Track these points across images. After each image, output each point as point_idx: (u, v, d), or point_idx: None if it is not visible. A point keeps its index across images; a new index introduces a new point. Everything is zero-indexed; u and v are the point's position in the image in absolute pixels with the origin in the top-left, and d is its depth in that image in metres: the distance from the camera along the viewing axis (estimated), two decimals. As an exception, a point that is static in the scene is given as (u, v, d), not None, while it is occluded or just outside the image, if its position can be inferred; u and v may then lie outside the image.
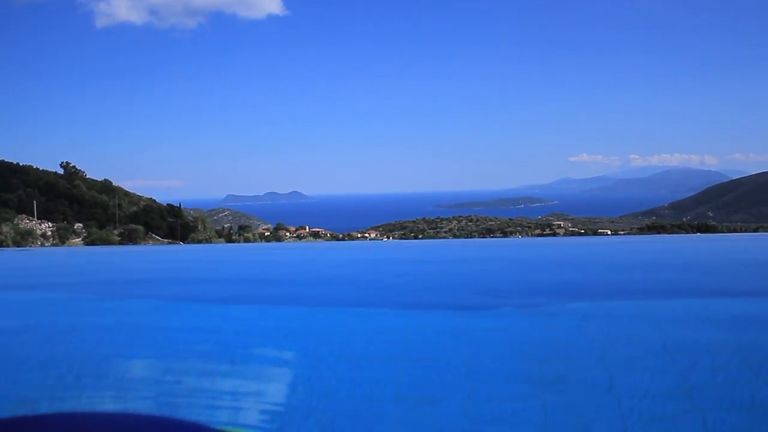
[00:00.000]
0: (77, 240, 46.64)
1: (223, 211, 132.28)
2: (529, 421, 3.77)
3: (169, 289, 8.09)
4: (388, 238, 72.53)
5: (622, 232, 67.90)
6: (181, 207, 68.94)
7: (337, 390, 4.22)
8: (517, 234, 77.29)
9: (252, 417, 4.05)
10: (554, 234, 71.87)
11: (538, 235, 71.52)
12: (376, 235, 76.98)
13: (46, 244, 43.09)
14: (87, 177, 71.19)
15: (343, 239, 60.31)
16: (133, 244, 46.23)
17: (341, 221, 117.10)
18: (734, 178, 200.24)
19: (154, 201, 73.69)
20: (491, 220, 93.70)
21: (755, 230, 65.43)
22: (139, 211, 64.45)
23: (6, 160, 69.13)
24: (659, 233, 55.25)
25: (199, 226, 64.05)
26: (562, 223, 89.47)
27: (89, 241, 43.96)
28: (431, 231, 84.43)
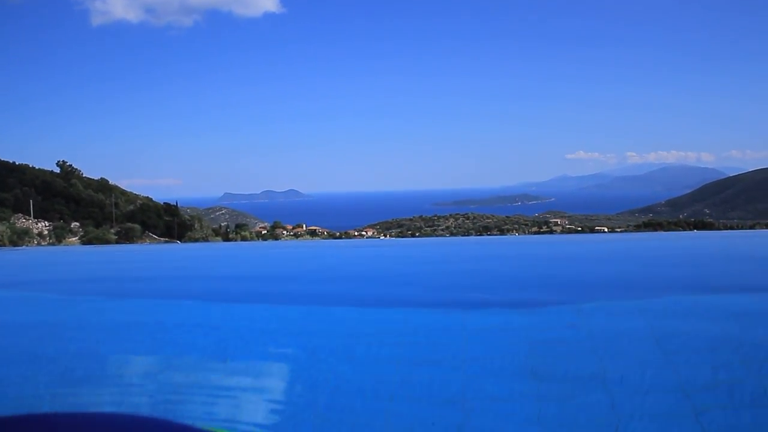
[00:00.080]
0: (74, 239, 46.54)
1: (220, 210, 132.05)
2: (523, 417, 3.79)
3: (169, 288, 8.09)
4: (385, 236, 72.49)
5: (619, 230, 67.98)
6: (178, 205, 68.81)
7: (334, 388, 4.23)
8: (514, 232, 77.34)
9: (252, 416, 4.06)
10: (551, 231, 71.89)
11: (535, 233, 71.57)
12: (374, 233, 76.94)
13: (43, 244, 43.01)
14: (83, 176, 71.06)
15: (340, 237, 60.26)
16: (130, 242, 46.15)
17: (338, 219, 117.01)
18: (731, 175, 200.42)
19: (151, 200, 73.52)
20: (488, 218, 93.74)
21: (752, 227, 65.44)
22: (135, 210, 64.29)
23: (2, 159, 68.98)
24: (656, 230, 55.32)
25: (196, 225, 63.93)
26: (559, 221, 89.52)
27: (86, 240, 43.88)
28: (428, 229, 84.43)
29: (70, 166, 70.84)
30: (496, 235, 70.94)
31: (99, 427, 3.94)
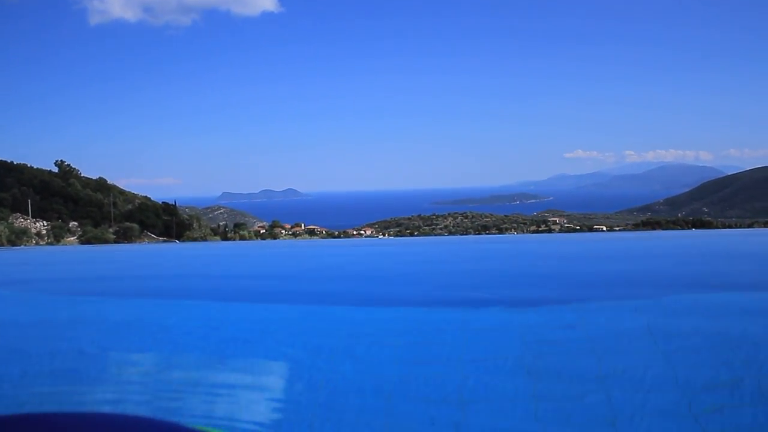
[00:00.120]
0: (72, 238, 46.50)
1: (218, 209, 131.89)
2: (521, 415, 3.79)
3: (168, 287, 8.09)
4: (383, 235, 72.48)
5: (617, 228, 68.00)
6: (177, 205, 68.74)
7: (334, 387, 4.23)
8: (513, 231, 77.34)
9: (251, 415, 4.06)
10: (550, 230, 71.92)
11: (534, 232, 71.58)
12: (372, 232, 76.94)
13: (41, 243, 42.97)
14: (82, 175, 70.98)
15: (339, 237, 60.26)
16: (129, 242, 46.13)
17: (337, 218, 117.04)
18: (729, 173, 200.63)
19: (150, 199, 73.46)
20: (487, 217, 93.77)
21: (750, 225, 65.51)
22: (134, 210, 64.21)
23: (0, 159, 68.93)
24: (654, 229, 55.37)
25: (195, 224, 63.87)
26: (557, 220, 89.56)
27: (84, 240, 43.84)
28: (427, 228, 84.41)
29: (68, 165, 70.77)
30: (494, 234, 70.93)
31: (99, 427, 3.94)
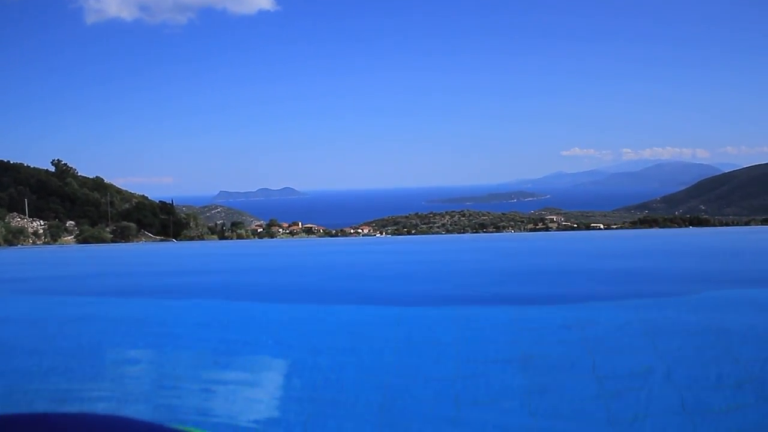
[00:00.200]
0: (69, 238, 46.45)
1: (215, 208, 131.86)
2: (517, 413, 3.79)
3: (166, 287, 8.07)
4: (381, 233, 72.53)
5: (614, 226, 68.07)
6: (174, 204, 68.71)
7: (332, 386, 4.23)
8: (510, 229, 77.43)
9: (250, 414, 4.05)
10: (547, 228, 72.00)
11: (531, 230, 71.64)
12: (369, 230, 77.01)
13: (38, 243, 42.91)
14: (78, 174, 70.87)
15: (336, 235, 60.27)
16: (126, 241, 46.09)
17: (334, 217, 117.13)
18: (726, 171, 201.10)
19: (147, 198, 73.43)
20: (484, 215, 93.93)
21: (747, 223, 65.68)
22: (131, 209, 64.19)
23: (-4, 158, 68.79)
24: (651, 227, 55.45)
25: (192, 223, 63.85)
26: (554, 218, 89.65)
27: (81, 239, 43.80)
28: (424, 226, 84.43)
29: (65, 164, 70.67)
30: (491, 232, 71.00)
31: (98, 428, 3.93)
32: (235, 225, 67.72)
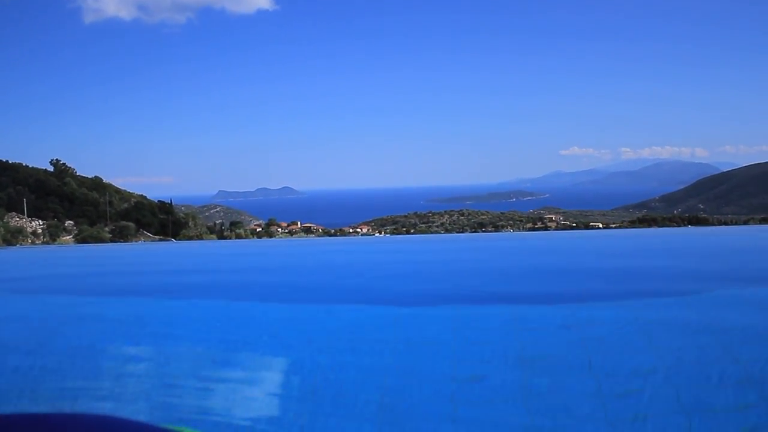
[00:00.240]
0: (68, 237, 46.49)
1: (214, 208, 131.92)
2: (515, 425, 3.79)
3: (163, 287, 8.06)
4: (380, 232, 72.56)
5: (613, 225, 68.12)
6: (173, 203, 68.74)
7: (330, 386, 4.22)
8: (509, 228, 77.48)
9: (250, 412, 4.05)
10: (546, 227, 72.03)
11: (530, 229, 71.70)
12: (368, 229, 77.06)
13: (37, 242, 42.90)
14: (77, 174, 70.88)
15: (335, 234, 60.28)
16: (125, 241, 46.08)
17: (333, 216, 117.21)
18: (724, 170, 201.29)
19: (145, 198, 73.46)
20: (483, 214, 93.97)
21: (745, 222, 65.75)
22: (130, 208, 64.22)
23: (-5, 158, 68.73)
24: (650, 226, 55.47)
25: (191, 223, 63.91)
26: (553, 217, 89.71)
27: (80, 239, 43.80)
28: (423, 225, 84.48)
29: (64, 164, 70.69)
30: (490, 231, 71.02)
31: (97, 429, 3.92)
32: (234, 225, 67.78)
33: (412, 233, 67.69)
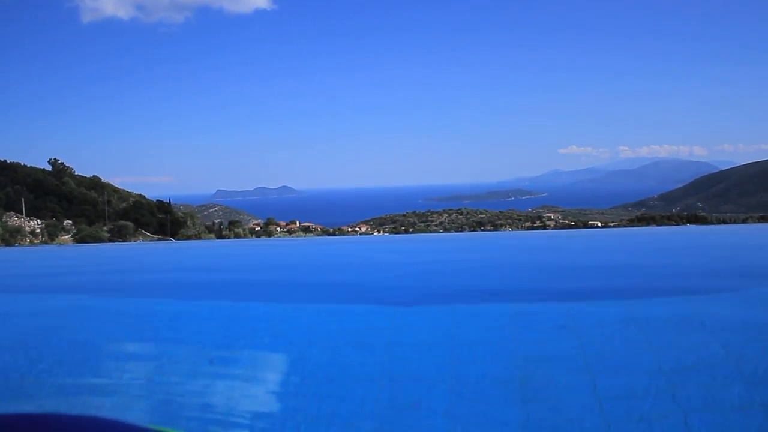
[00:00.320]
0: (67, 237, 46.46)
1: (213, 207, 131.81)
2: (510, 421, 3.78)
3: (162, 286, 8.07)
4: (378, 232, 72.57)
5: (612, 224, 68.16)
6: (171, 203, 68.73)
7: (327, 386, 4.22)
8: (508, 227, 77.48)
9: (247, 413, 4.04)
10: (545, 226, 72.08)
11: (529, 228, 71.73)
12: (367, 228, 77.03)
13: (35, 242, 42.89)
14: (75, 173, 70.86)
15: (334, 234, 60.31)
16: (123, 240, 46.08)
17: (331, 215, 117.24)
18: (723, 168, 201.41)
19: (144, 197, 73.45)
20: (481, 213, 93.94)
21: (744, 221, 65.84)
22: (128, 208, 64.22)
23: (-7, 157, 68.67)
24: (649, 224, 55.50)
25: (189, 222, 63.92)
26: (552, 216, 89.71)
27: (79, 238, 43.77)
28: (422, 224, 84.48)
29: (62, 164, 70.66)
30: (489, 230, 71.07)
31: (94, 429, 3.91)
32: (232, 224, 67.84)
33: (411, 232, 67.73)
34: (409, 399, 4.00)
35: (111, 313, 6.06)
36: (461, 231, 70.41)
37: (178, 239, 50.59)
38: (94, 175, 72.24)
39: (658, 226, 49.05)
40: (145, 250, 19.13)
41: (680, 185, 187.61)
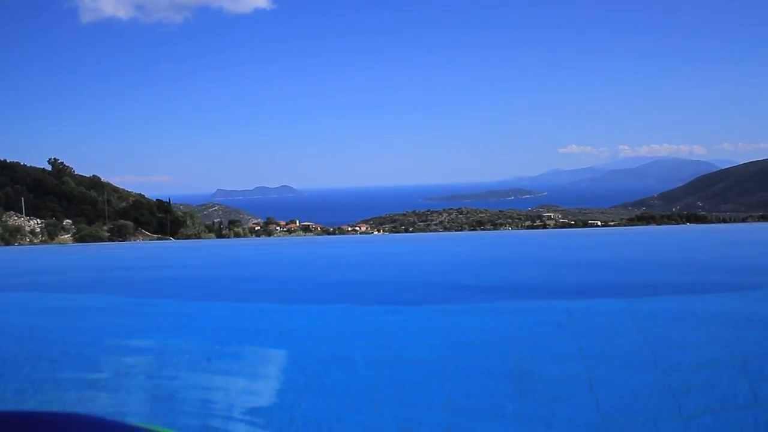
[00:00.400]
0: (66, 236, 46.46)
1: (213, 206, 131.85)
2: (508, 417, 3.78)
3: (160, 286, 8.06)
4: (378, 231, 72.56)
5: (612, 223, 68.16)
6: (171, 202, 68.69)
7: (325, 387, 4.21)
8: (508, 226, 77.49)
9: (247, 412, 4.04)
10: (544, 225, 72.09)
11: (529, 227, 71.73)
12: (367, 228, 77.04)
13: (35, 241, 42.89)
14: (75, 173, 70.85)
15: (334, 233, 60.29)
16: (123, 240, 46.07)
17: (331, 215, 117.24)
18: (723, 167, 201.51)
19: (144, 196, 73.43)
20: (481, 213, 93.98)
21: (744, 219, 65.85)
22: (128, 207, 64.20)
23: (-7, 157, 68.64)
24: (649, 223, 55.50)
25: (189, 222, 63.89)
26: (552, 215, 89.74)
27: (78, 238, 43.77)
28: (421, 224, 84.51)
29: (62, 163, 70.65)
30: (489, 229, 71.06)
31: (92, 428, 3.90)
32: (232, 223, 67.80)
33: (411, 232, 67.73)
34: (409, 398, 4.00)
35: (111, 312, 6.06)
36: (461, 230, 70.43)
37: (178, 239, 50.56)
38: (93, 175, 72.30)
39: (657, 225, 49.04)
40: (145, 250, 19.12)
41: (680, 184, 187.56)
